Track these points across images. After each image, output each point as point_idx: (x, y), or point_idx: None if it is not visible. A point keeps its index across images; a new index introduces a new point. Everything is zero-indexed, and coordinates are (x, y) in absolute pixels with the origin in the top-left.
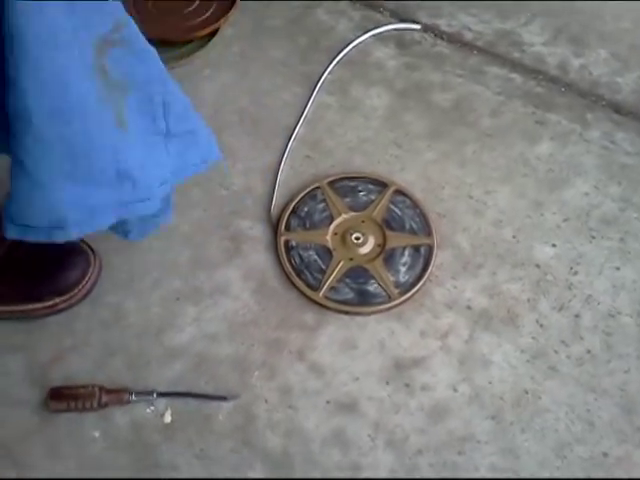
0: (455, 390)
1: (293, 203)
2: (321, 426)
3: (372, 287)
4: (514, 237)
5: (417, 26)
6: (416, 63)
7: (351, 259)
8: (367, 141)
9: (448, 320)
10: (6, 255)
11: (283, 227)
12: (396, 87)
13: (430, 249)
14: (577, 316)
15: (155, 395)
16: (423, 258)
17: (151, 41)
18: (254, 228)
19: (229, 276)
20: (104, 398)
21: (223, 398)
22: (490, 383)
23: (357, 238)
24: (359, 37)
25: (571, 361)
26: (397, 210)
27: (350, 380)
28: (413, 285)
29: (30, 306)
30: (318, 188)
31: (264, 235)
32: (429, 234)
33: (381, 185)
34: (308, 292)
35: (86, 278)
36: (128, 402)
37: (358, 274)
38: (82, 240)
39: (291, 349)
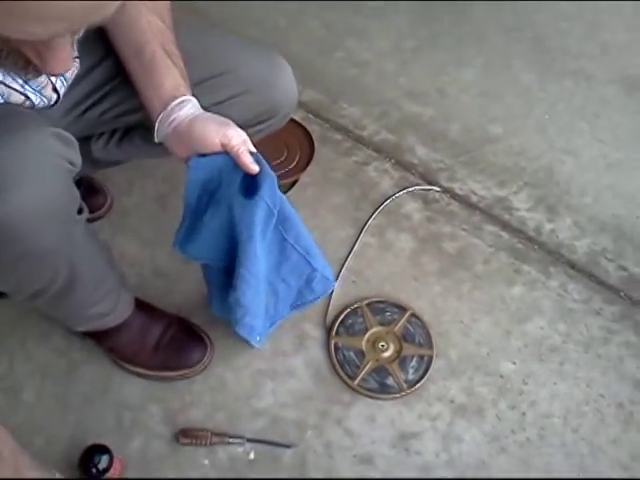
0: (437, 456)
1: (342, 316)
2: (349, 471)
3: (389, 381)
4: (488, 354)
5: (438, 188)
6: (434, 217)
7: (377, 360)
8: (395, 274)
9: (437, 409)
10: (159, 337)
11: (334, 332)
12: (419, 235)
13: (430, 358)
14: (523, 414)
15: (245, 440)
16: (425, 364)
17: None
18: (314, 331)
19: (296, 363)
20: (212, 439)
21: (287, 446)
22: (460, 454)
23: (382, 345)
24: (396, 193)
25: (516, 444)
26: (411, 328)
27: (369, 442)
28: (417, 382)
29: (168, 373)
30: (359, 307)
31: (320, 336)
32: (431, 347)
33: (402, 309)
34: (347, 380)
35: (205, 357)
36: (228, 443)
37: (381, 371)
38: (204, 332)
39: (333, 417)
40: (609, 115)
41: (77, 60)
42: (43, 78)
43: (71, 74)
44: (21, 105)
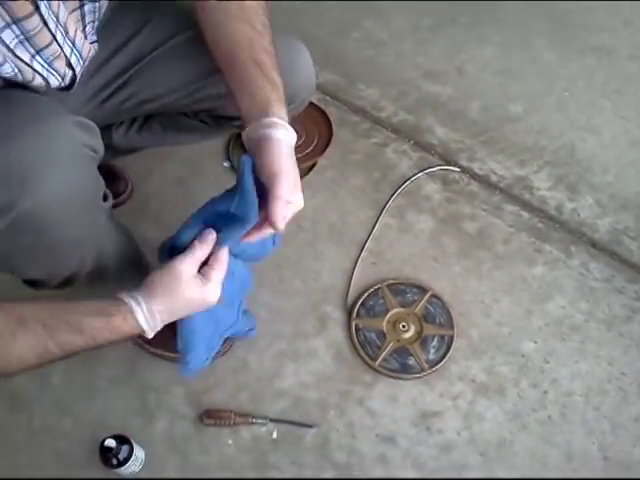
0: (459, 434)
1: (362, 298)
2: (371, 450)
3: (411, 361)
4: (509, 334)
5: (457, 169)
6: (454, 198)
7: (398, 340)
8: (415, 255)
9: (458, 388)
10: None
11: (355, 314)
12: (438, 215)
13: (451, 338)
14: (545, 392)
15: (268, 420)
16: (446, 344)
17: None
18: (335, 312)
19: (317, 344)
20: (236, 419)
21: (310, 426)
22: (482, 432)
23: (403, 326)
24: (415, 174)
25: (537, 422)
26: (431, 308)
27: (391, 422)
28: (438, 362)
29: None
30: (379, 288)
31: (341, 318)
32: (452, 327)
33: (422, 289)
34: (368, 361)
35: (227, 340)
36: (251, 423)
37: (402, 352)
38: None
39: (355, 398)
40: (632, 91)
41: (96, 43)
42: (55, 47)
43: (87, 53)
44: (33, 83)
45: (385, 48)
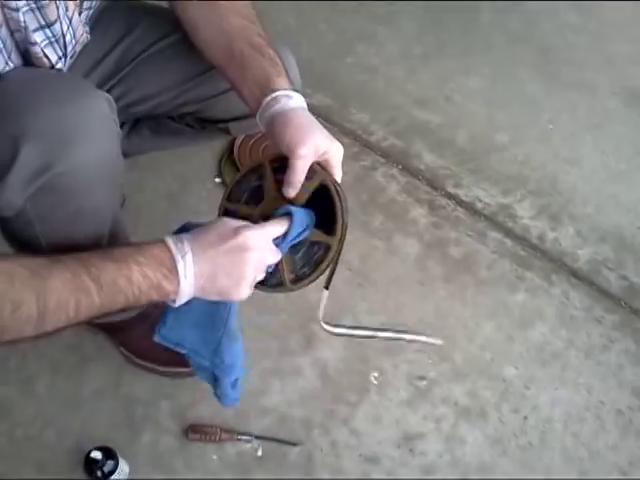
0: (441, 457)
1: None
2: (354, 470)
3: None
4: (491, 359)
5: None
6: (440, 223)
7: None
8: (401, 278)
9: (441, 410)
10: None
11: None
12: (425, 239)
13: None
14: (525, 418)
15: (253, 437)
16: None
17: None
18: (321, 331)
19: (303, 362)
20: (222, 435)
21: (294, 444)
22: (464, 455)
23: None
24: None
25: (517, 448)
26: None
27: (374, 442)
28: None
29: (179, 369)
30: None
31: (327, 336)
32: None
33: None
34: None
35: None
36: (236, 439)
37: None
38: None
39: (339, 417)
40: (612, 126)
41: (88, 34)
42: (58, 26)
43: (80, 36)
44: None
45: (377, 74)
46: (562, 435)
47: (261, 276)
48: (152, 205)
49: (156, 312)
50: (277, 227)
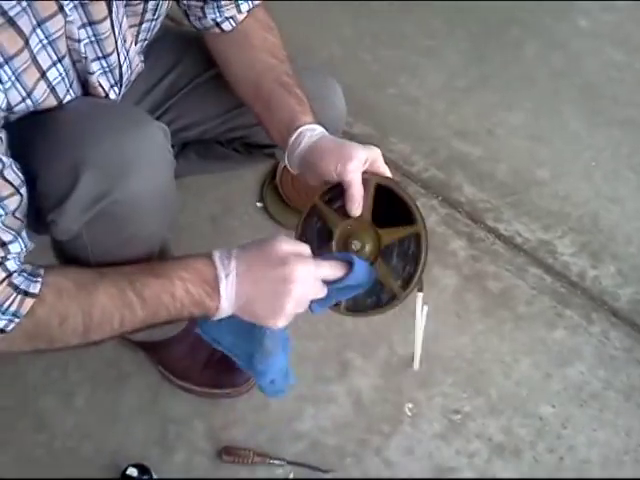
0: None
1: None
2: None
3: None
4: (527, 395)
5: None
6: (479, 256)
7: None
8: (438, 310)
9: (475, 445)
10: (210, 354)
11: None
12: (463, 272)
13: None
14: (561, 458)
15: (285, 462)
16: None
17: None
18: (357, 359)
19: (337, 390)
20: (255, 459)
21: (326, 471)
22: None
23: None
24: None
25: None
26: None
27: (406, 474)
28: None
29: (215, 391)
30: None
31: (362, 365)
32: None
33: None
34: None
35: (251, 378)
36: (269, 463)
37: None
38: None
39: (372, 447)
40: None
41: (142, 60)
42: (115, 56)
43: (136, 66)
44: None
45: (419, 105)
46: (599, 478)
47: (301, 310)
48: (193, 227)
49: (194, 335)
50: (331, 269)
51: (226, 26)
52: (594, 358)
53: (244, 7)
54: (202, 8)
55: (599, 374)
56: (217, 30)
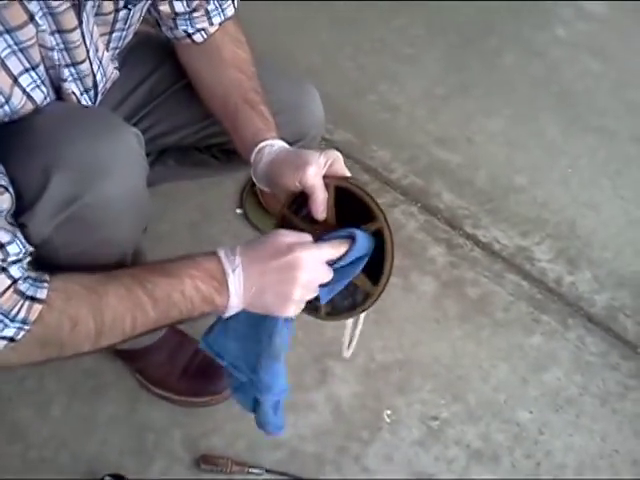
0: None
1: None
2: None
3: None
4: (505, 401)
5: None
6: (458, 262)
7: None
8: (417, 316)
9: (454, 452)
10: (188, 362)
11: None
12: (442, 278)
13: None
14: (538, 464)
15: (264, 470)
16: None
17: None
18: (336, 367)
19: (316, 398)
20: (233, 467)
21: None
22: None
23: None
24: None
25: None
26: None
27: None
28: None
29: (193, 399)
30: None
31: (342, 373)
32: None
33: None
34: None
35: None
36: (247, 472)
37: None
38: None
39: (351, 454)
40: (631, 172)
41: (116, 70)
42: (87, 64)
43: (110, 74)
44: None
45: (399, 112)
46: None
47: (311, 296)
48: (172, 234)
49: (173, 341)
50: (335, 249)
51: (197, 38)
52: (570, 363)
53: (216, 20)
54: (174, 19)
55: (575, 379)
56: (188, 41)
